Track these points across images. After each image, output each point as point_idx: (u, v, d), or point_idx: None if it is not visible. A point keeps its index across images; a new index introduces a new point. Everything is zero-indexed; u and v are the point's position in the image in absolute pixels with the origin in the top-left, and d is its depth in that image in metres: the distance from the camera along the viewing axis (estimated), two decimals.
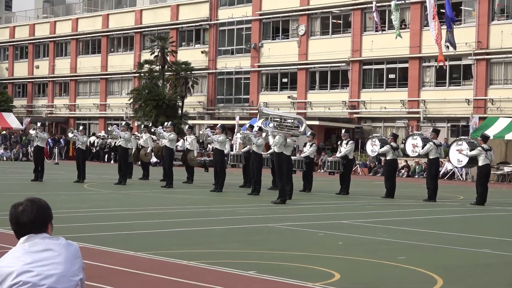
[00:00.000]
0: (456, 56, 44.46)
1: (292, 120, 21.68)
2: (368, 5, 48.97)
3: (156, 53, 56.85)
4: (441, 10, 45.45)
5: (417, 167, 43.10)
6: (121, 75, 65.65)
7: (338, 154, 25.80)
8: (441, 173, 37.44)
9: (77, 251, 4.35)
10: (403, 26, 47.79)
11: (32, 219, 4.26)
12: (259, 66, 56.07)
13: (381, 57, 49.75)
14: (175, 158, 32.62)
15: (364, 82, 51.42)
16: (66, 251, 4.28)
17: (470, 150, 22.74)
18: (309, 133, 26.07)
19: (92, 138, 53.79)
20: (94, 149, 53.41)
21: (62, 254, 4.25)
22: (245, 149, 26.88)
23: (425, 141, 23.97)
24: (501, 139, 38.81)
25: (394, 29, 48.31)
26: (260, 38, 56.45)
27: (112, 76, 66.52)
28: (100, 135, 56.51)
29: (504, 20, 45.67)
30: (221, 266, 9.76)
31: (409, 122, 48.59)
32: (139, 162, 32.02)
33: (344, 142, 25.66)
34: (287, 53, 54.31)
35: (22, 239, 4.27)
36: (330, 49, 51.92)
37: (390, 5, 40.52)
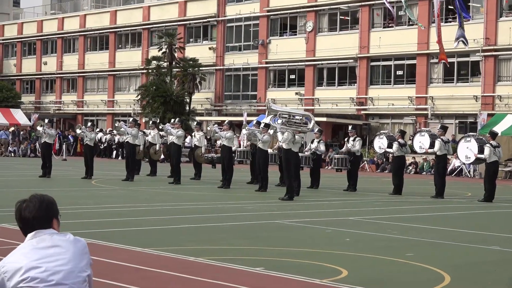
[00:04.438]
0: (464, 52, 44.36)
1: (301, 117, 21.68)
2: (376, 1, 48.90)
3: (163, 50, 56.83)
4: (449, 7, 45.39)
5: (425, 163, 43.03)
6: (128, 72, 65.68)
7: (352, 149, 25.45)
8: (449, 169, 37.37)
9: (84, 247, 4.36)
10: (411, 23, 47.71)
11: (35, 215, 4.27)
12: (266, 63, 56.02)
13: (389, 54, 49.65)
14: (183, 154, 32.62)
15: (371, 78, 51.33)
16: (74, 247, 4.29)
17: (479, 150, 22.62)
18: (316, 129, 26.05)
19: (100, 135, 53.69)
20: (102, 145, 53.45)
21: (70, 250, 4.26)
22: (247, 143, 26.89)
23: (433, 137, 23.94)
24: (509, 136, 38.70)
25: (405, 25, 48.61)
26: (268, 34, 56.39)
27: (120, 72, 66.56)
28: (107, 131, 56.51)
29: None
30: (228, 262, 9.77)
31: (417, 119, 48.48)
32: (147, 159, 32.05)
33: (351, 138, 25.62)
34: (295, 50, 54.25)
35: (29, 235, 4.27)
36: (337, 45, 51.84)
37: (398, 2, 40.52)
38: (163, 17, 62.96)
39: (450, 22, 44.27)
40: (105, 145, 54.00)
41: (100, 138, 53.34)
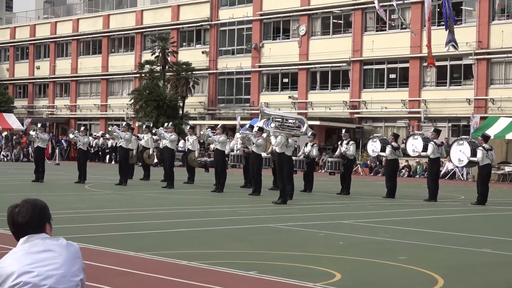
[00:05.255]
0: (457, 56, 44.45)
1: (294, 120, 21.68)
2: (369, 5, 48.96)
3: (157, 54, 56.82)
4: (442, 11, 45.49)
5: (418, 167, 43.09)
6: (122, 76, 65.63)
7: (347, 152, 25.43)
8: (442, 173, 37.42)
9: (77, 251, 4.36)
10: (404, 26, 47.81)
11: (28, 220, 4.26)
12: (259, 66, 56.05)
13: (381, 57, 49.73)
14: (176, 158, 32.60)
15: (365, 82, 51.39)
16: (67, 251, 4.28)
17: (472, 153, 22.67)
18: (310, 133, 26.07)
19: (89, 139, 53.32)
20: (92, 149, 53.22)
21: (63, 255, 4.25)
22: (240, 146, 26.92)
23: (426, 141, 23.97)
24: (502, 139, 38.78)
25: (398, 28, 48.73)
26: (261, 38, 56.43)
27: (113, 76, 66.51)
28: (97, 135, 56.30)
29: (504, 19, 45.64)
30: (221, 266, 9.76)
31: (410, 122, 48.56)
32: (140, 163, 32.01)
33: (345, 142, 25.63)
34: (288, 53, 54.29)
35: (22, 239, 4.27)
36: (330, 49, 51.90)
37: (390, 5, 40.60)
38: (156, 21, 62.95)
39: (443, 25, 44.30)
40: (96, 149, 53.79)
41: (89, 142, 53.11)
